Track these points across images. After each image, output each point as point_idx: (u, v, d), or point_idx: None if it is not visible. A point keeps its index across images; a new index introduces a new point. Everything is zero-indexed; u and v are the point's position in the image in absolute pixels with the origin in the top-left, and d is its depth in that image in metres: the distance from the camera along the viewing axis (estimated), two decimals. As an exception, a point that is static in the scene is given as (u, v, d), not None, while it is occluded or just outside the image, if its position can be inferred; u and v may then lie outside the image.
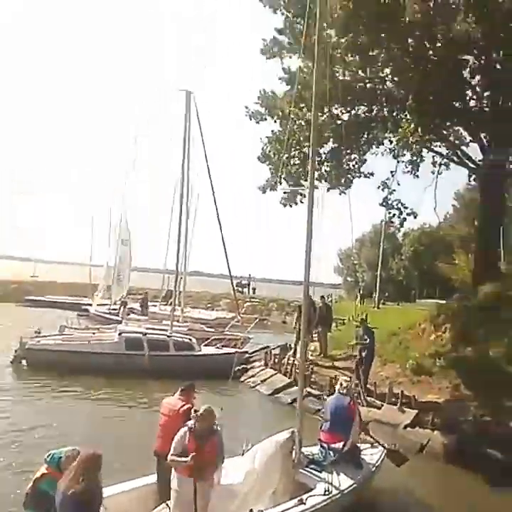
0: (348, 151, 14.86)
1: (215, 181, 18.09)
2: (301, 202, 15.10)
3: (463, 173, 16.13)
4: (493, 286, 12.92)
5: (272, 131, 15.58)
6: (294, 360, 13.76)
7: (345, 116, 14.56)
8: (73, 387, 12.22)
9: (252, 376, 14.72)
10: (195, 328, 19.76)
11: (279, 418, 10.39)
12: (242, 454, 6.06)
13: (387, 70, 13.59)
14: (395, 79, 13.53)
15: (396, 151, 15.61)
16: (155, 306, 25.54)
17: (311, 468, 6.21)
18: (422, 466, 8.48)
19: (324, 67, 7.77)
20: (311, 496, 5.52)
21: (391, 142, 15.37)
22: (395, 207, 15.64)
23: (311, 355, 14.83)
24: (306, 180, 13.69)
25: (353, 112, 14.70)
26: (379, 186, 15.82)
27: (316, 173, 13.06)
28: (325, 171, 15.21)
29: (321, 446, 6.54)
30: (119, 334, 15.05)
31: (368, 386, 11.42)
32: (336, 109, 14.00)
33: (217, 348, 16.46)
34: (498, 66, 13.05)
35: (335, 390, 7.01)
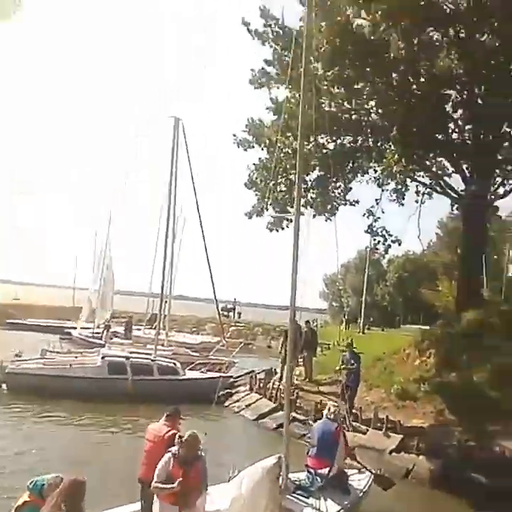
0: (334, 179, 15.18)
1: (202, 206, 18.30)
2: (288, 227, 15.30)
3: (446, 202, 16.54)
4: (476, 313, 13.13)
5: (259, 158, 15.91)
6: (279, 385, 13.70)
7: (331, 146, 14.97)
8: (55, 412, 11.97)
9: (237, 401, 14.58)
10: (180, 352, 19.59)
11: (264, 443, 10.33)
12: (228, 481, 6.00)
13: (372, 103, 14.05)
14: (380, 111, 13.98)
15: (381, 180, 16.01)
16: (139, 329, 25.26)
17: (298, 494, 6.16)
18: (407, 491, 8.47)
19: (311, 98, 8.04)
20: None
21: (376, 171, 15.80)
22: (380, 234, 16.01)
23: (296, 379, 14.77)
24: (292, 206, 13.95)
25: (338, 141, 15.08)
26: (364, 214, 16.23)
27: (302, 200, 13.28)
28: (311, 197, 15.50)
29: (308, 471, 6.52)
30: (102, 358, 14.82)
31: (353, 411, 11.42)
32: (322, 138, 14.35)
33: (202, 372, 16.31)
34: (480, 101, 13.57)
35: (322, 415, 7.03)
